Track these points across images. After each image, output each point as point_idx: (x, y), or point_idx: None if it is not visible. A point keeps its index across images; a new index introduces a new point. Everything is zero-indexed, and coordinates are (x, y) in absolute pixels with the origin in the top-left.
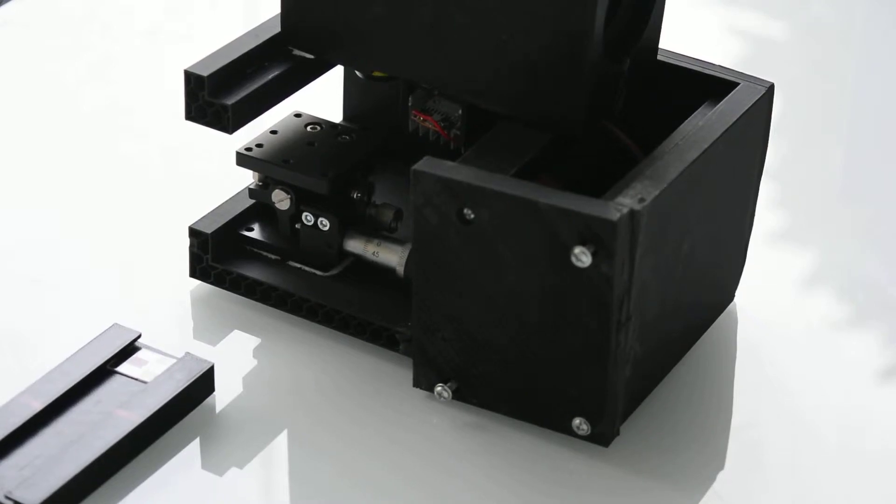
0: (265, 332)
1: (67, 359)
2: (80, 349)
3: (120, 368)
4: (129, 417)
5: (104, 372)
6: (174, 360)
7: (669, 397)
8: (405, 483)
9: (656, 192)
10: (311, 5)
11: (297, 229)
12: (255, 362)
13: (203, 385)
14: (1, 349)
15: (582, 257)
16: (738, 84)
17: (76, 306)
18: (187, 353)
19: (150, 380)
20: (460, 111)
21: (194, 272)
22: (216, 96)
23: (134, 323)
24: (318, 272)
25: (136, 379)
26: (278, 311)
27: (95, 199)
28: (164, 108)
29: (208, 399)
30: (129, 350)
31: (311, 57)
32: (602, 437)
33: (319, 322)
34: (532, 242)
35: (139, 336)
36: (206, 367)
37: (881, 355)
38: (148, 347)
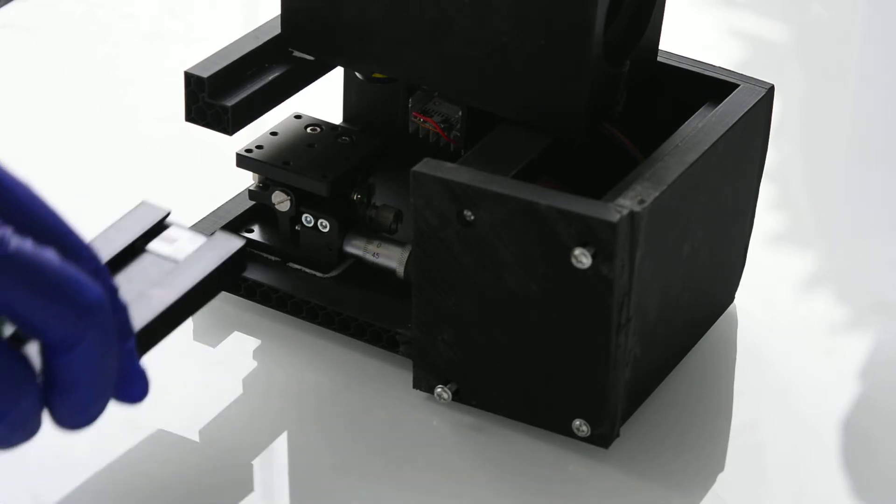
0: (265, 334)
1: (96, 237)
2: (109, 227)
3: (150, 247)
4: (162, 296)
5: (134, 250)
6: (205, 239)
7: (669, 399)
8: (405, 484)
9: (656, 194)
10: (312, 7)
11: (297, 231)
12: (255, 364)
13: (235, 264)
14: None
15: (582, 259)
16: (738, 85)
17: None
18: (218, 231)
19: (182, 258)
20: (460, 113)
21: None
22: (216, 98)
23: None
24: (319, 274)
25: (167, 257)
26: (278, 312)
27: (95, 200)
28: (164, 109)
29: (207, 399)
30: (159, 228)
31: (312, 58)
32: (602, 438)
33: (320, 324)
34: (532, 244)
35: (168, 213)
36: (238, 246)
37: (881, 356)
38: (178, 225)
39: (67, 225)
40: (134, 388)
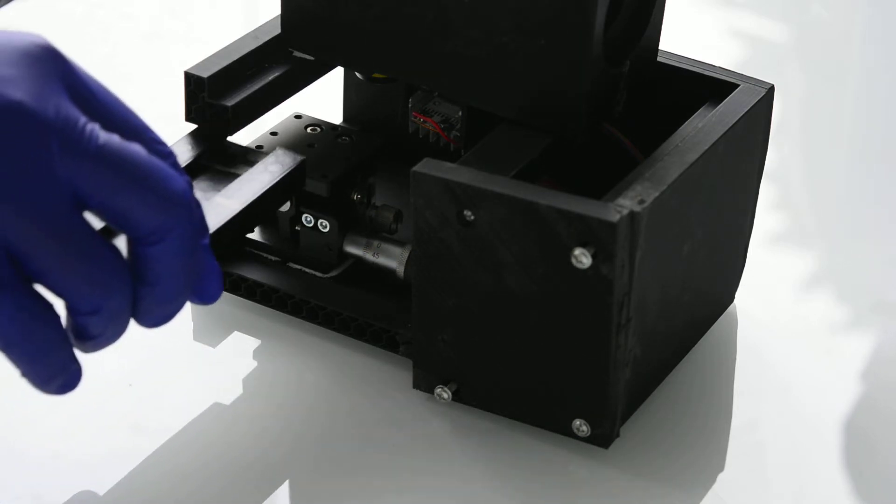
0: (265, 334)
1: None
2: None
3: (212, 164)
4: (228, 205)
5: (197, 167)
6: (266, 155)
7: (669, 398)
8: (405, 485)
9: (656, 194)
10: (312, 7)
11: (298, 231)
12: (255, 364)
13: (296, 178)
14: None
15: (582, 259)
16: (738, 85)
17: None
18: (279, 148)
19: (244, 173)
20: (460, 113)
21: None
22: (216, 98)
23: (132, 325)
24: (319, 274)
25: (230, 172)
26: (279, 312)
27: None
28: (165, 109)
29: (207, 400)
30: (220, 146)
31: (311, 58)
32: (602, 438)
33: (320, 324)
34: (532, 244)
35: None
36: (298, 160)
37: (881, 356)
38: (238, 145)
39: (146, 124)
40: (210, 285)
